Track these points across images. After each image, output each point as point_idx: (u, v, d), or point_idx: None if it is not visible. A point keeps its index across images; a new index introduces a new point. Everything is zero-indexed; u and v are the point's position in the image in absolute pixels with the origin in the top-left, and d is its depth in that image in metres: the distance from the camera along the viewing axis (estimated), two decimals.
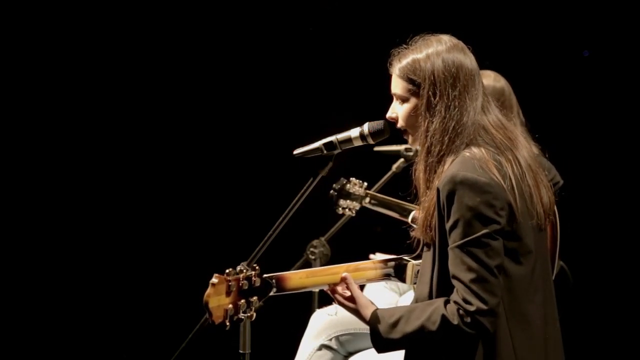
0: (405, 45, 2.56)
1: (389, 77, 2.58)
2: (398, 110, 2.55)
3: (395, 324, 2.43)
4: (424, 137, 2.48)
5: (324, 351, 3.23)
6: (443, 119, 2.45)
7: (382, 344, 2.48)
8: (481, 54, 2.59)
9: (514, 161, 2.44)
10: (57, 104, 5.01)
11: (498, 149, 2.45)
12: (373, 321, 2.48)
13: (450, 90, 2.45)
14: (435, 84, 2.46)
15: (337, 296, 2.58)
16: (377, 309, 2.52)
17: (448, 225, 2.39)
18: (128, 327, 5.03)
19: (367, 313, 2.51)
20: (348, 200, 3.69)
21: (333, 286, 2.59)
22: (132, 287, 5.07)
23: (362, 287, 2.68)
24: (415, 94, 2.50)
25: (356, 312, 2.55)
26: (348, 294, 2.57)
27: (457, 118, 2.44)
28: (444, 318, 2.36)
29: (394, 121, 2.57)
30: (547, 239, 2.57)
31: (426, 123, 2.47)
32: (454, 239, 2.37)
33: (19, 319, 4.94)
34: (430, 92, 2.46)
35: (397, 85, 2.53)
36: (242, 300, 2.42)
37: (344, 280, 2.57)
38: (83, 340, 4.98)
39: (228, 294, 2.39)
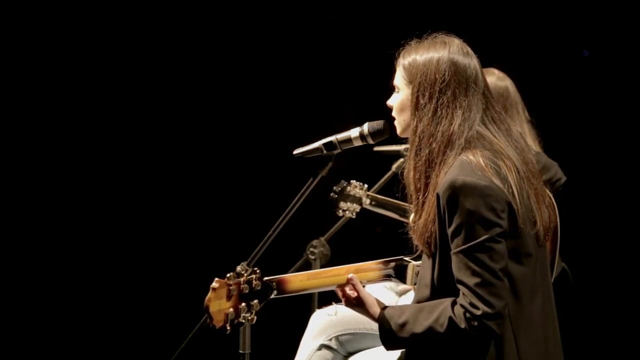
0: (418, 40, 2.60)
1: (389, 78, 2.62)
2: (393, 100, 2.61)
3: (404, 324, 2.46)
4: (413, 136, 2.53)
5: (324, 351, 3.21)
6: (431, 121, 2.48)
7: (391, 343, 2.51)
8: (482, 53, 2.59)
9: (512, 168, 2.44)
10: (57, 105, 5.01)
11: (496, 154, 2.45)
12: (382, 320, 2.51)
13: (438, 95, 2.48)
14: (425, 85, 2.50)
15: (345, 297, 2.61)
16: (386, 308, 2.55)
17: (450, 231, 2.39)
18: (128, 328, 5.03)
19: (376, 312, 2.55)
20: (348, 202, 3.68)
21: (341, 287, 2.61)
22: (132, 288, 5.07)
23: None
24: (407, 89, 2.55)
25: (365, 312, 2.58)
26: (355, 294, 2.59)
27: (445, 124, 2.46)
28: (451, 321, 2.37)
29: (391, 109, 2.63)
30: (547, 255, 2.57)
31: (415, 122, 2.52)
32: (457, 244, 2.38)
33: (20, 320, 4.93)
34: (419, 92, 2.51)
35: (396, 77, 2.60)
36: (243, 304, 2.43)
37: (350, 281, 2.60)
38: (83, 341, 4.98)
39: (229, 298, 2.39)
